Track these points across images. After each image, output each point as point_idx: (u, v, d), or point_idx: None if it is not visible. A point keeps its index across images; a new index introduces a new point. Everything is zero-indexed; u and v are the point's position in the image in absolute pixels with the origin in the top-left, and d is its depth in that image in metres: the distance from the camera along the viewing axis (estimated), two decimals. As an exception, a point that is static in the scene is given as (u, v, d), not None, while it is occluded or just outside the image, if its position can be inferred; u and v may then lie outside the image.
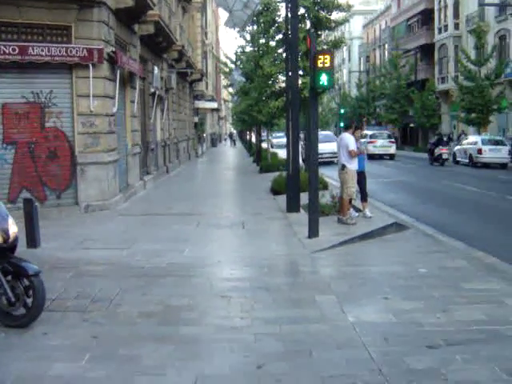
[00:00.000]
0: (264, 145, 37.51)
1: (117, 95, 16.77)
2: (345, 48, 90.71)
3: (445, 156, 34.84)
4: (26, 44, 14.31)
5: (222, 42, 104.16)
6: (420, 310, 6.91)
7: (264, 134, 40.02)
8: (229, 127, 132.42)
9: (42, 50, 14.37)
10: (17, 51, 14.12)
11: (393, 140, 43.94)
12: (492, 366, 5.23)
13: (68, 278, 8.40)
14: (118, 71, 16.80)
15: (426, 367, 5.25)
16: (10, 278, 6.43)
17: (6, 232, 6.49)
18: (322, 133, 37.22)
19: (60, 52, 14.58)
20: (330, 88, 13.21)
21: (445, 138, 40.15)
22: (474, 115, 41.19)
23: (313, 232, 11.33)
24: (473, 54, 42.34)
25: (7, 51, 14.03)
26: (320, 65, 10.83)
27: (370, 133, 43.85)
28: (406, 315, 6.73)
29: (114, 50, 16.15)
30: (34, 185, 14.97)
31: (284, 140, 16.33)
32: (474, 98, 40.14)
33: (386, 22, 73.34)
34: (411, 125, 60.56)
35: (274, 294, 7.71)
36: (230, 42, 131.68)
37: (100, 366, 5.33)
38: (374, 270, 9.19)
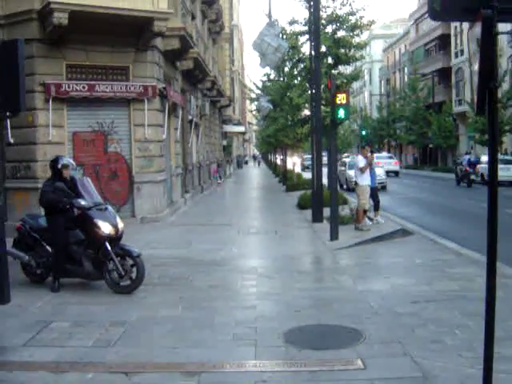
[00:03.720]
0: (289, 166, 40.13)
1: (165, 124, 19.61)
2: (366, 71, 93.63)
3: (472, 176, 35.62)
4: (93, 82, 17.21)
5: (247, 66, 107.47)
6: (411, 284, 9.55)
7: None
8: (252, 149, 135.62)
9: (106, 88, 17.29)
10: (86, 88, 17.04)
11: None
12: (452, 311, 7.81)
13: (148, 267, 11.06)
14: (167, 103, 19.68)
15: (408, 312, 7.87)
16: (119, 258, 9.16)
17: (116, 227, 9.27)
18: None
19: (121, 89, 17.49)
20: (347, 120, 15.91)
21: (472, 158, 38.61)
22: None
23: (334, 235, 13.97)
24: (487, 79, 44.70)
25: (78, 88, 16.97)
26: (338, 102, 13.57)
27: None
28: (400, 286, 9.38)
29: (164, 86, 19.04)
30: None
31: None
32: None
33: (406, 46, 75.96)
34: (430, 145, 62.87)
35: (304, 275, 10.50)
36: (255, 66, 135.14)
37: (191, 312, 8.05)
38: (380, 261, 11.95)
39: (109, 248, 9.06)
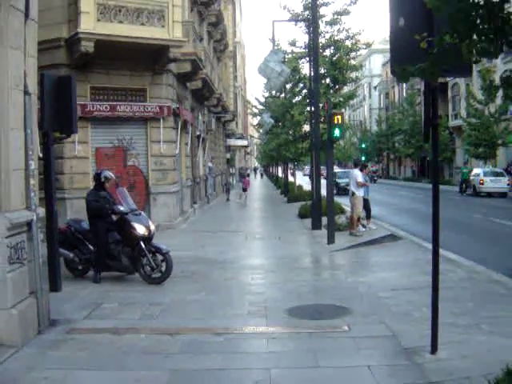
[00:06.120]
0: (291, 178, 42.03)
1: (178, 140, 21.56)
2: (365, 85, 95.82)
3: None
4: (114, 103, 19.18)
5: (249, 80, 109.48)
6: (393, 277, 11.47)
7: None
8: (254, 161, 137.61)
9: (126, 108, 19.26)
10: (108, 108, 19.01)
11: None
12: (423, 296, 9.58)
13: (171, 264, 13.02)
14: (179, 121, 21.66)
15: (387, 296, 9.78)
16: (151, 255, 11.06)
17: (149, 228, 11.19)
18: None
19: (139, 109, 19.47)
20: (347, 133, 17.81)
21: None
22: (480, 149, 45.51)
23: (330, 240, 15.87)
24: (480, 93, 46.70)
25: (101, 109, 18.93)
26: (334, 122, 15.51)
27: None
28: (384, 279, 11.31)
29: (177, 106, 21.02)
30: (119, 209, 19.69)
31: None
32: (480, 133, 44.53)
33: (404, 62, 77.70)
34: (428, 158, 64.70)
35: (304, 270, 12.49)
36: (256, 80, 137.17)
37: (212, 296, 9.97)
38: (370, 260, 13.92)
39: (143, 246, 10.98)
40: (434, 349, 6.65)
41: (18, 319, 7.22)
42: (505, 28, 3.98)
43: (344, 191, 31.57)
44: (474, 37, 4.02)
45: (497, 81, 48.53)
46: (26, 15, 7.70)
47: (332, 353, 6.88)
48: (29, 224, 7.71)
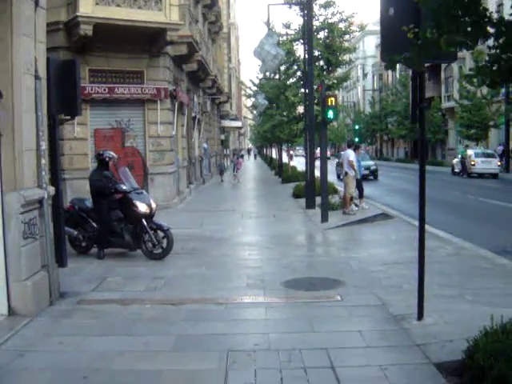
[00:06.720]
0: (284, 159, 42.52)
1: (175, 121, 21.98)
2: (359, 66, 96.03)
3: None
4: (112, 85, 19.56)
5: (243, 61, 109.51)
6: (385, 253, 12.01)
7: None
8: (247, 142, 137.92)
9: (124, 90, 19.64)
10: (106, 91, 19.38)
11: None
12: (412, 270, 10.10)
13: (170, 242, 13.49)
14: (176, 103, 22.06)
15: (378, 269, 10.31)
16: (152, 232, 11.54)
17: (150, 206, 11.67)
18: None
19: (137, 91, 19.85)
20: (340, 115, 18.27)
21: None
22: (472, 131, 46.04)
23: (324, 218, 16.37)
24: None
25: (100, 91, 19.30)
26: (328, 104, 15.96)
27: None
28: (375, 254, 11.84)
29: (174, 88, 21.42)
30: (118, 189, 20.12)
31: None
32: (471, 115, 45.03)
33: (397, 44, 77.94)
34: (420, 140, 64.99)
35: (299, 247, 13.05)
36: (250, 62, 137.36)
37: (212, 270, 10.50)
38: (362, 237, 14.49)
39: (145, 223, 11.47)
40: (420, 316, 7.17)
41: (31, 291, 7.72)
42: (481, 21, 4.44)
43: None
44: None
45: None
46: (36, 3, 8.12)
47: (326, 319, 7.41)
48: (40, 201, 8.17)
